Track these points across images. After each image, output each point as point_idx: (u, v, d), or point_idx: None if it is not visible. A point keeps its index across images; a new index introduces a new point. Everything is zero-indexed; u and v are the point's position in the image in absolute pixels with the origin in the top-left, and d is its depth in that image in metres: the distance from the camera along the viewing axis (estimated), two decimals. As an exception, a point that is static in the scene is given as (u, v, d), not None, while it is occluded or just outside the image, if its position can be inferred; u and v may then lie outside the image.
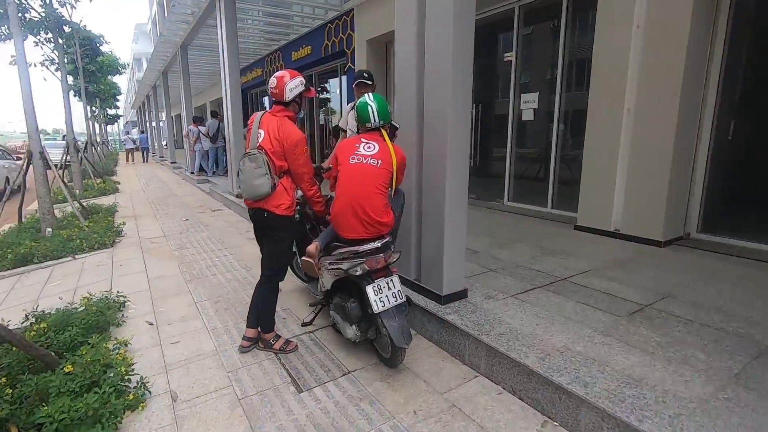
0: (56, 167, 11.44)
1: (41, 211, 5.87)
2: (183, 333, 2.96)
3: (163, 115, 19.52)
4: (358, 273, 2.22)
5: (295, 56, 11.52)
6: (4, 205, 6.07)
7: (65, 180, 6.71)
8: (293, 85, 2.48)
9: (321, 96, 12.32)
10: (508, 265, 3.64)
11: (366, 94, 2.49)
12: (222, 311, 3.30)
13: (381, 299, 2.21)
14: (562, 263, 3.68)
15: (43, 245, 5.00)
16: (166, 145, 20.11)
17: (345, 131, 3.83)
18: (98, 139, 22.79)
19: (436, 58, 2.69)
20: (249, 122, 2.59)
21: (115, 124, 42.17)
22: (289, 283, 3.65)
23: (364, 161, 2.33)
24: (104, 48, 20.01)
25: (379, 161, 2.33)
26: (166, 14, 10.14)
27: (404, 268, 3.13)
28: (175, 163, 17.22)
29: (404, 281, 3.15)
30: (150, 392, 2.26)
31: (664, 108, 4.02)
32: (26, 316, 2.97)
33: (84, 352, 2.32)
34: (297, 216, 2.93)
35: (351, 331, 2.40)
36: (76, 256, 4.97)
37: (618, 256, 3.89)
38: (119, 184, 12.04)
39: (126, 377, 2.23)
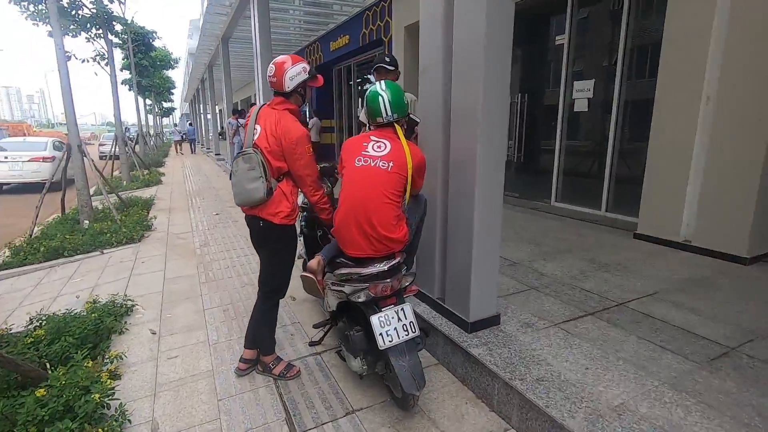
0: (108, 158, 12.03)
1: (79, 203, 5.98)
2: (183, 346, 2.72)
3: (209, 107, 20.08)
4: (361, 300, 1.84)
5: (333, 46, 11.24)
6: (63, 195, 6.23)
7: (102, 172, 6.81)
8: (294, 72, 2.11)
9: (360, 89, 11.99)
10: (552, 282, 3.12)
11: (378, 83, 2.08)
12: (229, 321, 3.04)
13: (388, 332, 1.82)
14: (619, 282, 3.10)
15: (75, 239, 5.04)
16: (212, 137, 20.69)
17: (365, 125, 3.42)
18: (151, 131, 23.98)
19: (466, 40, 2.22)
20: (247, 116, 2.26)
21: (170, 116, 44.44)
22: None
23: (372, 163, 1.93)
24: (157, 43, 20.87)
25: (390, 164, 1.92)
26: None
27: (427, 283, 2.72)
28: (219, 155, 17.63)
29: (425, 298, 2.74)
30: (130, 421, 2.02)
31: (754, 97, 3.28)
32: (30, 319, 2.87)
33: (61, 373, 2.11)
34: (302, 224, 2.59)
35: (356, 364, 2.03)
36: (104, 251, 4.97)
37: (691, 274, 3.24)
38: (164, 175, 12.40)
39: (103, 403, 2.00)
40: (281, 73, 2.10)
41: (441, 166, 2.51)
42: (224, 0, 9.01)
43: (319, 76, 2.25)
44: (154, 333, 2.91)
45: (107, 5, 10.23)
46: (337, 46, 11.00)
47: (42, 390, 1.94)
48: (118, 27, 11.13)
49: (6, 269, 4.57)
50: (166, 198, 8.59)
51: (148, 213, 6.84)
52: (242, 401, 2.16)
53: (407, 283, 1.94)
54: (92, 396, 1.92)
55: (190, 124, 26.83)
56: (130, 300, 3.27)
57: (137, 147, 14.77)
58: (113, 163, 11.57)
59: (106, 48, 10.53)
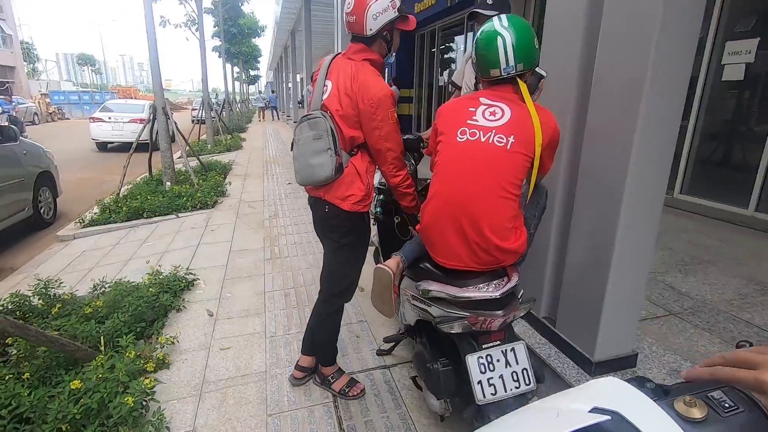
0: (196, 122, 12.58)
1: (163, 165, 6.10)
2: (239, 335, 2.43)
3: (291, 76, 20.37)
4: (455, 331, 1.31)
5: (417, 8, 10.40)
6: (150, 156, 6.42)
7: (184, 136, 6.90)
8: (379, 7, 1.55)
9: (444, 56, 11.09)
10: (700, 308, 2.33)
11: (494, 18, 1.44)
12: (290, 309, 2.71)
13: (491, 381, 1.27)
14: (803, 318, 2.23)
15: (155, 200, 5.10)
16: (291, 105, 21.05)
17: (459, 88, 2.76)
18: (237, 98, 25.08)
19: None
20: (314, 71, 1.77)
21: (256, 84, 46.44)
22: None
23: (483, 137, 1.33)
24: (245, 9, 21.35)
25: (511, 138, 1.31)
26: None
27: (529, 294, 2.11)
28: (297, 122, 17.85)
29: (526, 314, 2.14)
30: (168, 429, 1.74)
31: None
32: (94, 286, 2.77)
33: (107, 357, 1.88)
34: (376, 212, 2.09)
35: (436, 405, 1.53)
36: (179, 215, 4.96)
37: None
38: (245, 140, 12.72)
39: (141, 403, 1.73)
40: (362, 8, 1.55)
41: (567, 145, 1.84)
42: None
43: (411, 16, 1.68)
44: (211, 315, 2.66)
45: (199, -32, 10.36)
46: (422, 7, 10.15)
47: (78, 381, 1.71)
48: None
49: (93, 225, 4.73)
50: (244, 164, 8.67)
51: (225, 178, 6.87)
52: (294, 421, 1.78)
53: (523, 313, 1.37)
54: (126, 399, 1.65)
55: (273, 92, 27.65)
56: (191, 273, 3.08)
57: (223, 113, 15.37)
58: (200, 127, 12.05)
59: (196, 12, 10.74)
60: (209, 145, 10.91)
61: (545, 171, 1.47)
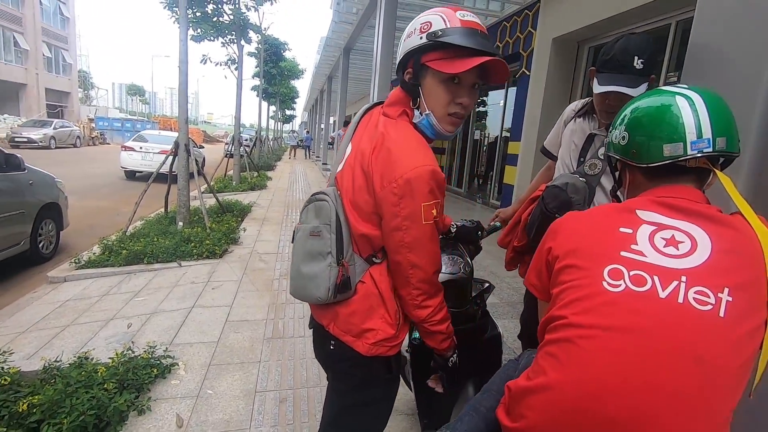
0: (225, 156, 12.50)
1: (178, 204, 5.74)
2: (207, 466, 1.79)
3: (324, 117, 20.71)
4: None
5: (457, 61, 10.23)
6: (167, 192, 6.09)
7: (204, 174, 6.58)
8: (410, 28, 1.02)
9: (478, 109, 10.80)
10: None
11: (676, 90, 0.84)
12: (283, 425, 2.06)
13: None
14: None
15: (160, 244, 4.65)
16: (322, 146, 21.20)
17: (555, 159, 1.83)
18: (270, 136, 25.59)
19: None
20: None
21: (291, 123, 48.05)
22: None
23: (662, 290, 0.70)
24: (287, 54, 22.22)
25: (724, 294, 0.68)
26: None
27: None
28: (326, 164, 17.78)
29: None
30: None
31: None
32: (44, 368, 2.20)
33: None
34: (413, 339, 1.47)
35: None
36: (183, 263, 4.47)
37: None
38: (270, 179, 12.51)
39: None
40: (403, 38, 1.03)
41: None
42: (351, 8, 8.61)
43: (464, 59, 0.97)
44: (180, 425, 2.03)
45: (245, 13, 10.63)
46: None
47: None
48: (252, 35, 11.59)
49: (88, 267, 4.28)
50: (265, 205, 8.29)
51: (241, 221, 6.45)
52: None
53: None
54: None
55: (308, 132, 28.23)
56: (170, 356, 2.49)
57: (254, 149, 15.41)
58: (228, 161, 11.95)
59: (237, 53, 10.92)
60: (234, 182, 10.71)
61: None
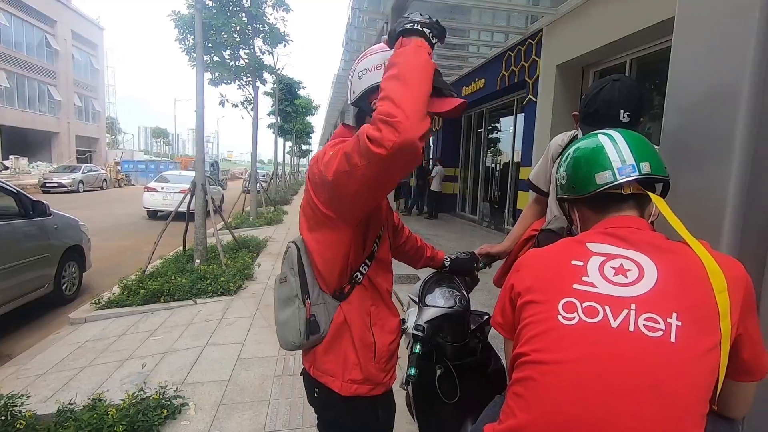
0: (242, 191, 12.83)
1: (195, 242, 5.88)
2: None
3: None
4: None
5: (465, 91, 10.44)
6: (185, 231, 6.26)
7: (221, 213, 6.76)
8: (369, 63, 1.00)
9: (490, 136, 10.91)
10: None
11: (599, 132, 0.94)
12: (291, 467, 2.02)
13: None
14: None
15: (176, 282, 4.75)
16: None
17: (545, 194, 1.74)
18: (286, 170, 26.20)
19: None
20: None
21: (307, 157, 49.22)
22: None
23: (613, 319, 0.71)
24: (302, 93, 23.06)
25: (673, 318, 0.69)
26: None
27: None
28: (340, 196, 18.01)
29: None
30: None
31: None
32: (58, 411, 2.24)
33: None
34: (409, 375, 1.44)
35: None
36: (198, 301, 4.54)
37: None
38: (286, 214, 12.73)
39: None
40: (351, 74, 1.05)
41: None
42: (361, 46, 8.98)
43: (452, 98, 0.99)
44: (187, 468, 2.02)
45: (260, 56, 11.16)
46: (470, 90, 10.17)
47: None
48: (267, 76, 12.11)
49: (108, 308, 4.38)
50: (280, 240, 8.41)
51: (257, 257, 6.54)
52: None
53: None
54: None
55: (321, 166, 28.72)
56: (180, 396, 2.50)
57: (270, 185, 15.79)
58: (245, 197, 12.25)
59: (252, 94, 11.40)
60: (251, 218, 10.94)
61: (755, 372, 0.77)
